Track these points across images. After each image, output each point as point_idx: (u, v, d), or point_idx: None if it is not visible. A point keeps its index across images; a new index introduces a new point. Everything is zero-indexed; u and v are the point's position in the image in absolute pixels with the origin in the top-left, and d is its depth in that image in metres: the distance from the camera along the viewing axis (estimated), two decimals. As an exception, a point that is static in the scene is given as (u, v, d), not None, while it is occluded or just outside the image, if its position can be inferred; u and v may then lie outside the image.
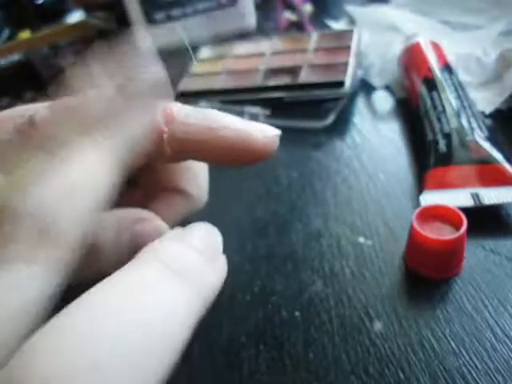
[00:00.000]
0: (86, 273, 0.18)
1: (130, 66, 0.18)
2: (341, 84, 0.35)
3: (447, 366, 0.19)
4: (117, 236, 0.20)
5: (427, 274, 0.22)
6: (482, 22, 0.42)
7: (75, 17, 1.14)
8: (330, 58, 0.39)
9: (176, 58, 0.52)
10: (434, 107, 0.30)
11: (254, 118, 0.37)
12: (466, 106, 0.29)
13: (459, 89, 0.31)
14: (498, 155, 0.25)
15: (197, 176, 0.22)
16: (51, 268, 0.12)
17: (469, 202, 0.24)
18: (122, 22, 0.60)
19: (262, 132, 0.17)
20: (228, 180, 0.30)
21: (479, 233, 0.24)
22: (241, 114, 0.37)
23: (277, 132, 0.18)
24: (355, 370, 0.19)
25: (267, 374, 0.19)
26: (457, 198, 0.24)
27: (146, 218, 0.20)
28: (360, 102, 0.38)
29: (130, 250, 0.20)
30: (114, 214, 0.20)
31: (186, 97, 0.40)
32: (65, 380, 0.10)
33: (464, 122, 0.28)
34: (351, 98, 0.38)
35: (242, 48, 0.45)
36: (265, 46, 0.44)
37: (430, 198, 0.25)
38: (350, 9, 0.51)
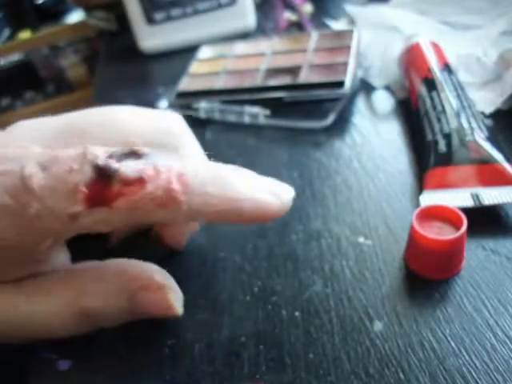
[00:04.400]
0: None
1: None
2: (341, 84, 0.35)
3: (447, 366, 0.19)
4: (116, 304, 0.20)
5: (427, 274, 0.22)
6: (482, 22, 0.42)
7: (75, 17, 1.14)
8: (330, 58, 0.39)
9: (176, 58, 0.52)
10: (434, 107, 0.30)
11: (254, 118, 0.37)
12: (466, 106, 0.29)
13: (459, 89, 0.31)
14: (498, 155, 0.25)
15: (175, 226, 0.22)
16: None
17: (469, 202, 0.24)
18: (122, 22, 0.60)
19: (279, 196, 0.17)
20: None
21: (479, 233, 0.24)
22: (241, 114, 0.37)
23: (292, 195, 0.18)
24: (355, 370, 0.19)
25: (267, 374, 0.19)
26: (457, 198, 0.24)
27: (150, 286, 0.20)
28: (360, 102, 0.38)
29: (129, 315, 0.21)
30: (113, 275, 0.20)
31: (186, 97, 0.40)
32: None
33: (464, 122, 0.28)
34: (351, 98, 0.38)
35: (241, 48, 0.45)
36: (265, 45, 0.44)
37: (429, 198, 0.25)
38: (350, 9, 0.51)
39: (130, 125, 0.21)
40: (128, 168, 0.16)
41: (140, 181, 0.16)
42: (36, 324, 0.19)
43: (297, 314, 0.22)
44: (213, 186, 0.16)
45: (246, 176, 0.17)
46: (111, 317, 0.20)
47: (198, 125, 0.35)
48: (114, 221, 0.17)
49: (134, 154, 0.16)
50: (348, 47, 0.39)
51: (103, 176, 0.15)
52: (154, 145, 0.21)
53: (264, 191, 0.17)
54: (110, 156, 0.16)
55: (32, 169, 0.16)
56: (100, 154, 0.16)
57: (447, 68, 0.33)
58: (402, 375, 0.19)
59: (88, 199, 0.15)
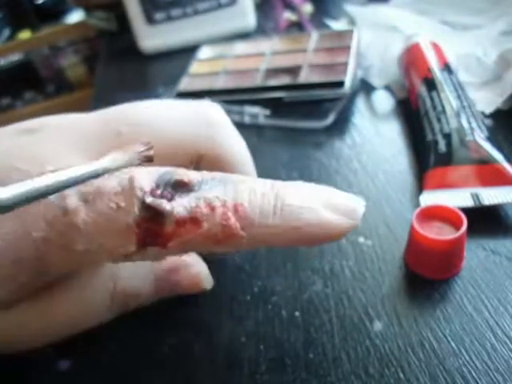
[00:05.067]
0: None
1: None
2: (341, 84, 0.35)
3: (447, 366, 0.19)
4: (156, 290, 0.21)
5: (427, 274, 0.22)
6: (482, 22, 0.42)
7: (75, 17, 1.14)
8: (330, 58, 0.39)
9: (176, 58, 0.52)
10: (434, 107, 0.30)
11: (254, 118, 0.37)
12: (466, 106, 0.29)
13: (459, 89, 0.31)
14: (498, 155, 0.25)
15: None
16: None
17: (469, 202, 0.24)
18: (122, 22, 0.60)
19: (348, 214, 0.16)
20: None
21: (479, 233, 0.24)
22: (241, 114, 0.37)
23: (363, 208, 0.17)
24: (355, 370, 0.19)
25: (267, 374, 0.19)
26: (457, 198, 0.24)
27: (180, 267, 0.21)
28: (360, 102, 0.38)
29: (160, 292, 0.21)
30: (147, 265, 0.20)
31: (186, 97, 0.40)
32: None
33: (464, 122, 0.28)
34: (351, 98, 0.38)
35: (241, 48, 0.45)
36: (265, 45, 0.44)
37: (429, 198, 0.25)
38: (350, 9, 0.51)
39: (166, 123, 0.20)
40: (180, 207, 0.15)
41: (194, 220, 0.15)
42: (77, 319, 0.19)
43: (297, 314, 0.22)
44: (273, 216, 0.15)
45: (308, 193, 0.16)
46: (144, 296, 0.21)
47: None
48: (167, 255, 0.16)
49: (183, 185, 0.15)
50: (348, 47, 0.39)
51: (155, 215, 0.15)
52: (196, 139, 0.20)
53: (329, 210, 0.16)
54: (157, 186, 0.15)
55: (74, 202, 0.15)
56: (146, 185, 0.15)
57: (447, 68, 0.33)
58: (401, 375, 0.19)
59: (141, 240, 0.15)
